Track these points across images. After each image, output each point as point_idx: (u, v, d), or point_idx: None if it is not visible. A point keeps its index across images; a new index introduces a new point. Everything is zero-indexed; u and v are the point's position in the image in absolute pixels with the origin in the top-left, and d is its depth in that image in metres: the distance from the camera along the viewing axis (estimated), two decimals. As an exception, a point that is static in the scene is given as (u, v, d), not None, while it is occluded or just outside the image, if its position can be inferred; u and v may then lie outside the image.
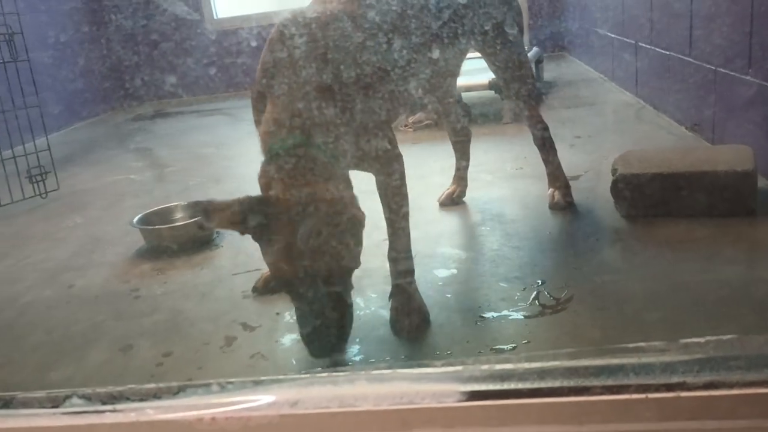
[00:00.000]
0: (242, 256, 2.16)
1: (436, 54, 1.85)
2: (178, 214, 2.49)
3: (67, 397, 0.85)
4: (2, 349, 1.78)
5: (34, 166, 3.14)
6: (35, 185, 3.13)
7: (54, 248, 2.52)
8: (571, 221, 2.19)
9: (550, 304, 1.65)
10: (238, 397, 0.83)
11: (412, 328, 1.60)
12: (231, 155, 3.78)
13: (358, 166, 1.60)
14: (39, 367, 1.66)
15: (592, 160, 2.74)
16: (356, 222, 1.39)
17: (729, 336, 0.82)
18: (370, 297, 1.80)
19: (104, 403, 0.83)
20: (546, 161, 2.31)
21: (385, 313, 1.66)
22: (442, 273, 1.90)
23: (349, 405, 0.80)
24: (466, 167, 2.48)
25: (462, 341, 1.55)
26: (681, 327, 1.48)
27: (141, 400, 0.83)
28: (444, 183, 2.51)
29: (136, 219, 2.41)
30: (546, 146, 2.30)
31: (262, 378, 0.85)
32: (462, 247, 2.10)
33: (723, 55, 2.49)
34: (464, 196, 2.47)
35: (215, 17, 6.02)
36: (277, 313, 1.77)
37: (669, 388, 0.77)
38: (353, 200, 1.39)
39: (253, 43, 5.97)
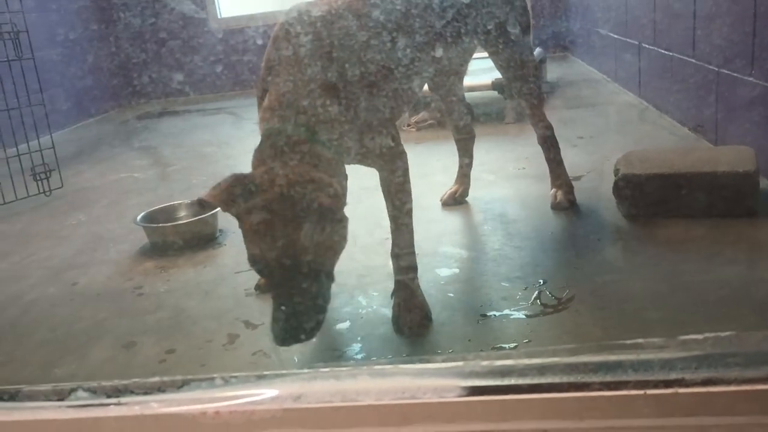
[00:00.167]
0: (245, 254, 2.16)
1: (439, 53, 1.86)
2: (182, 212, 2.50)
3: (73, 390, 0.86)
4: (7, 347, 1.79)
5: (38, 164, 3.15)
6: (39, 183, 3.15)
7: (58, 246, 2.54)
8: (573, 221, 2.20)
9: (551, 304, 1.65)
10: (242, 391, 0.84)
11: (413, 325, 1.60)
12: (234, 154, 3.78)
13: (361, 161, 1.61)
14: (43, 364, 1.67)
15: (594, 161, 2.75)
16: (338, 213, 1.38)
17: (727, 333, 0.83)
18: (372, 295, 1.81)
19: (109, 397, 0.84)
20: (549, 161, 2.32)
21: (387, 312, 1.67)
22: (445, 272, 1.91)
23: (351, 399, 0.81)
24: (470, 167, 2.48)
25: (464, 340, 1.56)
26: (682, 327, 1.48)
27: (145, 393, 0.84)
28: (447, 182, 2.52)
29: (139, 217, 2.42)
30: (550, 146, 2.30)
31: (266, 372, 0.86)
32: (464, 247, 2.11)
33: (725, 55, 2.49)
34: (467, 195, 2.48)
35: (219, 16, 6.03)
36: (280, 311, 1.77)
37: (667, 384, 0.77)
38: (338, 191, 1.36)
39: (259, 41, 5.98)
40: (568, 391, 0.79)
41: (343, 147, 1.49)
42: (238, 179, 1.36)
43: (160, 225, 2.38)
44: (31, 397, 0.86)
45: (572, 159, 2.55)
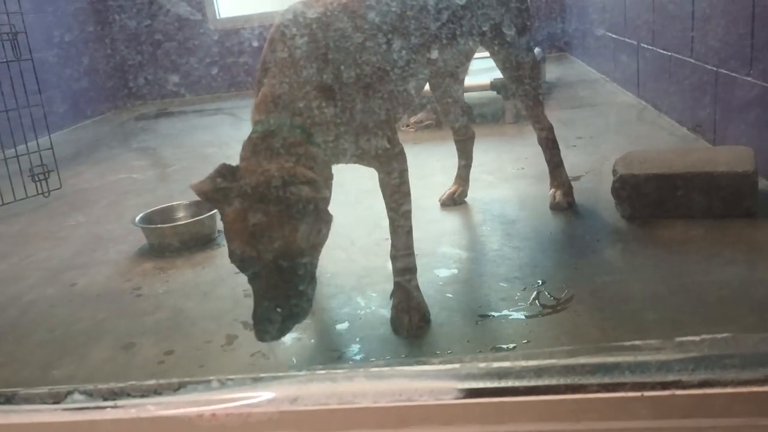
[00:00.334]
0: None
1: (435, 55, 1.85)
2: (180, 213, 2.50)
3: (69, 393, 0.86)
4: (6, 347, 1.79)
5: (36, 164, 3.15)
6: (38, 184, 3.15)
7: (57, 247, 2.54)
8: (571, 222, 2.20)
9: (550, 304, 1.65)
10: (238, 394, 0.84)
11: (411, 326, 1.60)
12: (233, 155, 3.75)
13: (359, 161, 1.61)
14: (42, 365, 1.67)
15: (593, 161, 2.75)
16: (321, 209, 1.38)
17: (724, 334, 0.83)
18: (370, 296, 1.81)
19: (105, 399, 0.84)
20: (549, 161, 2.32)
21: (386, 313, 1.67)
22: (443, 272, 1.91)
23: (347, 402, 0.81)
24: (469, 167, 2.48)
25: (462, 340, 1.56)
26: (680, 327, 1.48)
27: (142, 396, 0.84)
28: (445, 183, 2.52)
29: (138, 218, 2.42)
30: (549, 146, 2.30)
31: (262, 375, 0.86)
32: (463, 247, 2.11)
33: (724, 55, 2.49)
34: (466, 196, 2.48)
35: (218, 17, 6.03)
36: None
37: (664, 386, 0.77)
38: (321, 185, 1.35)
39: (255, 43, 5.98)
40: (565, 393, 0.78)
41: (338, 147, 1.50)
42: (223, 169, 1.38)
43: (159, 226, 2.38)
44: (28, 400, 0.86)
45: (571, 159, 2.55)
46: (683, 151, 2.33)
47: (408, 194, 1.65)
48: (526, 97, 2.22)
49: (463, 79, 2.40)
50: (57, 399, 0.86)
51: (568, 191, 2.29)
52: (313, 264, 1.41)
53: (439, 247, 2.09)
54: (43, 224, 2.86)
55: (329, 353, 1.58)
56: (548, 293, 1.71)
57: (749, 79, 2.28)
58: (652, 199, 2.05)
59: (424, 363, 0.86)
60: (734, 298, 1.59)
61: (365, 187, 1.83)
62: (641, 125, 3.29)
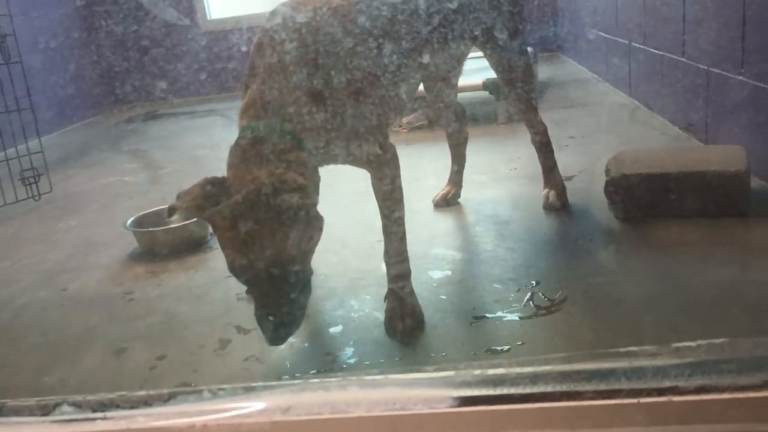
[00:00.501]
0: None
1: (426, 59, 1.84)
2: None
3: (58, 404, 0.84)
4: (-2, 351, 1.78)
5: (26, 168, 3.13)
6: (28, 187, 3.12)
7: (48, 251, 2.52)
8: (565, 222, 2.19)
9: (544, 305, 1.65)
10: (230, 404, 0.83)
11: (405, 333, 1.59)
12: (225, 157, 3.76)
13: (351, 164, 1.60)
14: (34, 370, 1.66)
15: (585, 161, 2.74)
16: (311, 212, 1.38)
17: (720, 340, 0.83)
18: (364, 299, 1.80)
19: (95, 411, 0.83)
20: (543, 164, 2.32)
21: (380, 315, 1.66)
22: (437, 274, 1.90)
23: (341, 411, 0.80)
24: (462, 168, 2.48)
25: (456, 343, 1.55)
26: (674, 328, 1.48)
27: (132, 407, 0.83)
28: (438, 184, 2.51)
29: (129, 221, 2.40)
30: (543, 150, 2.30)
31: (254, 384, 0.85)
32: (456, 249, 2.10)
33: (716, 55, 2.49)
34: (459, 197, 2.47)
35: (209, 18, 6.01)
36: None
37: (660, 392, 0.77)
38: (310, 190, 1.36)
39: (243, 48, 5.96)
40: (561, 401, 0.78)
41: (329, 153, 1.49)
42: (208, 183, 1.37)
43: (150, 230, 2.36)
44: (16, 411, 0.85)
45: (563, 159, 2.54)
46: (675, 151, 2.33)
47: (400, 200, 1.64)
48: (519, 100, 2.21)
49: (456, 83, 2.39)
50: (45, 411, 0.84)
51: (562, 192, 2.29)
52: (308, 267, 1.42)
53: (433, 248, 2.08)
54: (35, 228, 2.84)
55: (323, 357, 1.57)
56: (542, 294, 1.70)
57: (740, 78, 2.28)
58: (644, 199, 2.05)
59: (418, 370, 0.85)
60: (727, 299, 1.59)
61: (359, 188, 1.82)
62: (633, 125, 3.29)
